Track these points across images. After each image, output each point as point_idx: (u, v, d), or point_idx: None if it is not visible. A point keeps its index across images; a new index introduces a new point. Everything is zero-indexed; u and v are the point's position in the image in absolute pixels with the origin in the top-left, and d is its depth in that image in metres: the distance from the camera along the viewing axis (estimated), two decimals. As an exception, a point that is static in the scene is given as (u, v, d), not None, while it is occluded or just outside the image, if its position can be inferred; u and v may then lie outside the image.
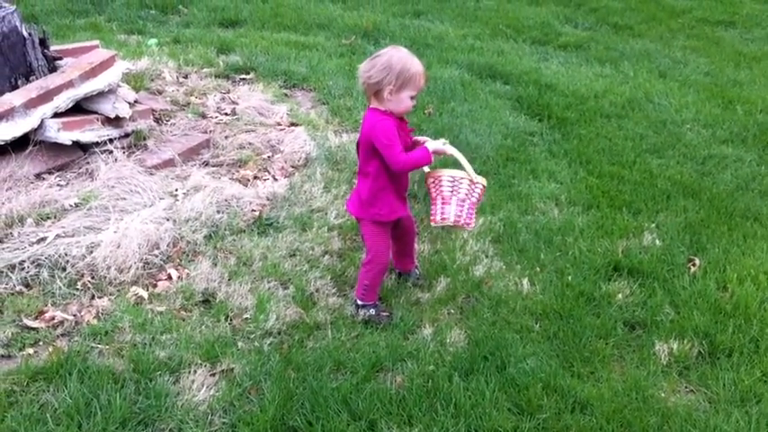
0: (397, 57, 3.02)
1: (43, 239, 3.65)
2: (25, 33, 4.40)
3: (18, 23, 4.34)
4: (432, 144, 3.19)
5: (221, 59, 6.54)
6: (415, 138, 3.30)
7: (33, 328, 3.23)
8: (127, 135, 4.60)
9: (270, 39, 7.29)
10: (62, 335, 3.23)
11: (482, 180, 3.25)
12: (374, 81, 3.04)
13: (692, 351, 3.24)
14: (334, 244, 3.97)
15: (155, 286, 3.57)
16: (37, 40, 4.51)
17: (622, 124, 5.69)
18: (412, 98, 3.09)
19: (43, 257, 3.54)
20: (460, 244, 3.98)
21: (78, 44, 5.29)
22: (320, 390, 2.92)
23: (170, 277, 3.63)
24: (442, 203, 3.23)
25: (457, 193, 3.21)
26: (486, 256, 3.90)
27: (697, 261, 3.89)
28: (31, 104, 4.14)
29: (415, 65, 3.03)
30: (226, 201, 4.19)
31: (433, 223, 3.29)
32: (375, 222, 3.29)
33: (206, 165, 4.67)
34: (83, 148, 4.41)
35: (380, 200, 3.23)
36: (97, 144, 4.41)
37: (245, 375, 3.01)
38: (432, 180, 3.26)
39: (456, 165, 3.24)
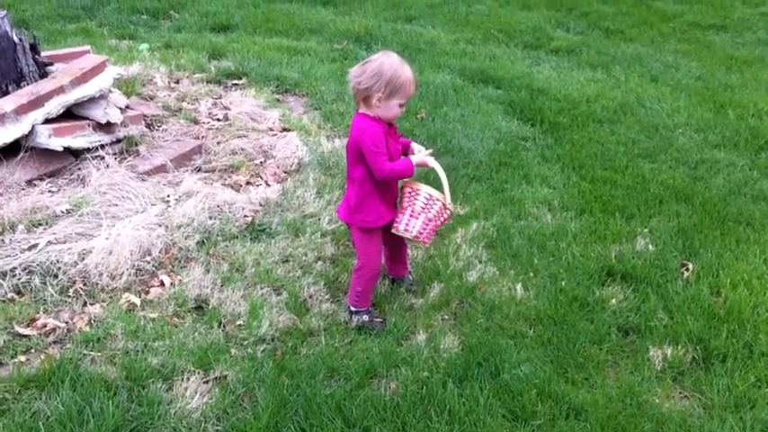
0: (388, 64, 3.00)
1: (35, 246, 3.63)
2: (16, 39, 4.38)
3: (8, 29, 4.33)
4: (416, 157, 3.20)
5: (213, 65, 6.54)
6: (411, 144, 3.31)
7: (25, 336, 3.21)
8: (118, 141, 4.59)
9: (262, 44, 7.28)
10: (54, 342, 3.21)
11: (451, 208, 3.30)
12: (363, 87, 3.03)
13: (686, 356, 3.24)
14: (327, 250, 3.96)
15: (147, 293, 3.55)
16: (28, 46, 4.49)
17: (614, 129, 5.70)
18: (401, 106, 3.08)
19: (35, 264, 3.52)
20: (454, 249, 3.98)
21: (69, 49, 5.27)
22: (314, 397, 2.90)
23: (162, 284, 3.61)
24: (410, 216, 3.25)
25: (427, 212, 3.25)
26: (480, 262, 3.90)
27: (690, 266, 3.89)
28: (22, 110, 4.13)
29: (405, 73, 3.02)
30: (218, 206, 4.18)
31: (394, 230, 3.30)
32: (363, 229, 3.28)
33: (198, 170, 4.66)
34: (74, 154, 4.40)
35: (367, 206, 3.22)
36: (88, 150, 4.40)
37: (239, 382, 2.99)
38: (409, 191, 3.27)
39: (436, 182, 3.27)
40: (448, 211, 3.29)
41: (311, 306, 3.52)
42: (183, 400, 2.89)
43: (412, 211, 3.24)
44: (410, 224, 3.24)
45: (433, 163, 3.22)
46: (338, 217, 3.52)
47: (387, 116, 3.10)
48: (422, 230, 3.25)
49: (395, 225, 3.28)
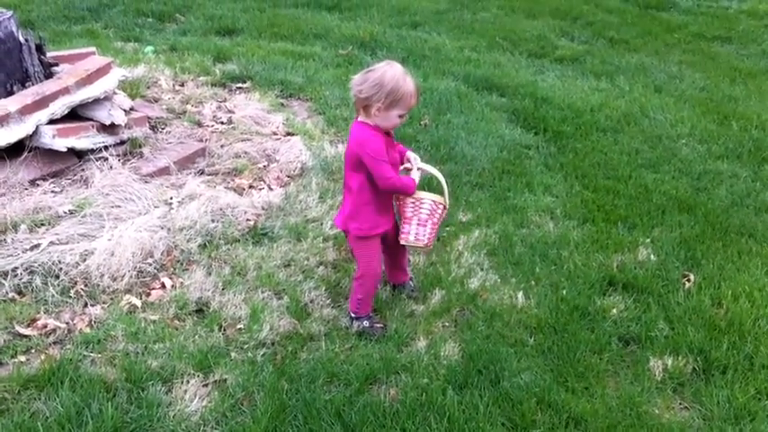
0: (390, 74, 2.98)
1: (37, 246, 3.63)
2: (22, 39, 4.39)
3: (14, 29, 4.34)
4: (416, 174, 3.23)
5: (218, 68, 6.54)
6: (407, 153, 3.33)
7: (25, 336, 3.22)
8: (122, 142, 4.59)
9: (267, 48, 7.29)
10: (54, 343, 3.21)
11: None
12: (364, 96, 3.02)
13: (687, 367, 3.24)
14: (328, 255, 3.95)
15: (148, 295, 3.55)
16: (33, 46, 4.50)
17: (618, 138, 5.70)
18: (400, 116, 3.08)
19: (36, 264, 3.53)
20: (455, 256, 3.97)
21: (75, 51, 5.28)
22: (313, 402, 2.90)
23: (164, 286, 3.61)
24: (418, 224, 3.28)
25: (432, 218, 3.29)
26: (482, 269, 3.89)
27: (692, 277, 3.89)
28: (27, 110, 4.13)
29: (406, 85, 3.00)
30: (221, 210, 4.18)
31: (402, 241, 3.33)
32: (358, 237, 3.28)
33: (201, 173, 4.66)
34: (78, 154, 4.40)
35: (362, 214, 3.21)
36: (92, 151, 4.40)
37: (238, 386, 2.99)
38: (412, 201, 3.27)
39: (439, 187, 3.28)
40: (446, 211, 3.34)
41: (312, 311, 3.52)
42: (182, 403, 2.89)
43: (419, 220, 3.27)
44: (420, 233, 3.28)
45: (430, 169, 3.26)
46: (335, 225, 3.50)
47: (385, 126, 3.10)
48: (430, 236, 3.30)
49: (402, 236, 3.31)
